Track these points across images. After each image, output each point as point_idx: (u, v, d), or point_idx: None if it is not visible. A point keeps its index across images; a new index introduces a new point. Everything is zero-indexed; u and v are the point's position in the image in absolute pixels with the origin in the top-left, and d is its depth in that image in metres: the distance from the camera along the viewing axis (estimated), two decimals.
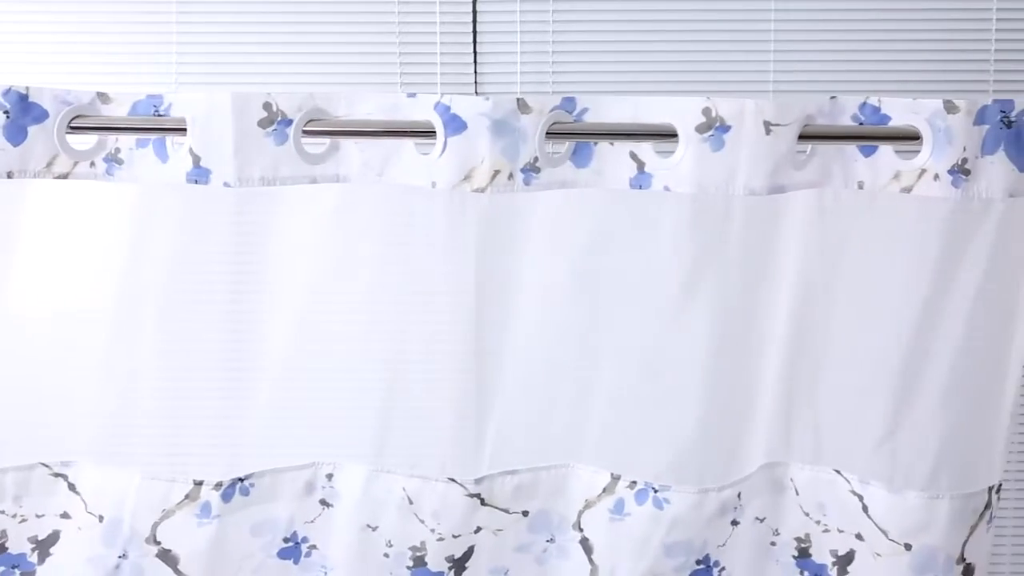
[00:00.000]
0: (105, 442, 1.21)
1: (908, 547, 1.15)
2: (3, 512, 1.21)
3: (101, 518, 1.21)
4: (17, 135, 1.10)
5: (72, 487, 1.23)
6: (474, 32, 1.83)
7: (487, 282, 1.14)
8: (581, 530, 1.23)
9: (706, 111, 1.08)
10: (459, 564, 1.21)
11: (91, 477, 1.22)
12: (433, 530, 1.19)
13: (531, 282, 1.16)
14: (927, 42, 1.83)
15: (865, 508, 1.17)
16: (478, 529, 1.20)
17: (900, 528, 1.15)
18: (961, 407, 1.14)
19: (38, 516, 1.23)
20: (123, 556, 1.20)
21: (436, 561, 1.20)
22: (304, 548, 1.25)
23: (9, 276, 1.17)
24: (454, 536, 1.19)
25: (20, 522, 1.22)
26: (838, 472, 1.20)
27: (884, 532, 1.16)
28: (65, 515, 1.23)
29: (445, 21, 1.83)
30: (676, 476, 1.18)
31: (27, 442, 1.21)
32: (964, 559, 1.16)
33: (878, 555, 1.17)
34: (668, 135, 1.10)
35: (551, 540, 1.24)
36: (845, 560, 1.20)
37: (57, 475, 1.22)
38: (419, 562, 1.20)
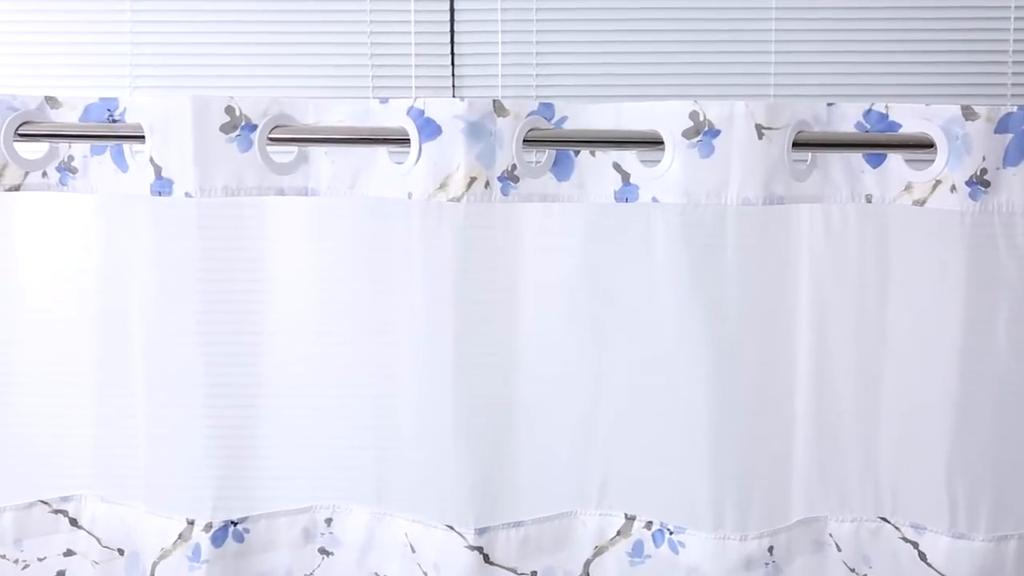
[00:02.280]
0: (105, 475, 1.18)
1: None
2: (4, 557, 1.18)
3: (121, 551, 1.19)
4: None
5: (74, 522, 1.20)
6: (451, 32, 1.79)
7: (467, 306, 1.08)
8: None
9: (693, 115, 1.04)
10: None
11: (94, 512, 1.20)
12: None
13: (515, 306, 1.10)
14: (941, 43, 1.78)
15: (923, 556, 1.12)
16: None
17: (968, 574, 1.11)
18: (1012, 440, 1.09)
19: (40, 559, 1.19)
20: None
21: None
22: None
23: None
24: None
25: (23, 568, 1.19)
26: (884, 520, 1.15)
27: None
28: (69, 552, 1.20)
29: (420, 20, 1.79)
30: (689, 519, 1.11)
31: (24, 479, 1.19)
32: None
33: None
34: (654, 142, 1.06)
35: None
36: None
37: (57, 511, 1.20)
38: None
